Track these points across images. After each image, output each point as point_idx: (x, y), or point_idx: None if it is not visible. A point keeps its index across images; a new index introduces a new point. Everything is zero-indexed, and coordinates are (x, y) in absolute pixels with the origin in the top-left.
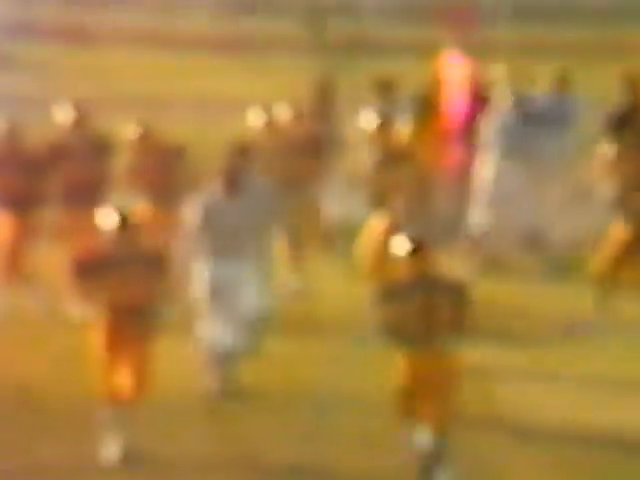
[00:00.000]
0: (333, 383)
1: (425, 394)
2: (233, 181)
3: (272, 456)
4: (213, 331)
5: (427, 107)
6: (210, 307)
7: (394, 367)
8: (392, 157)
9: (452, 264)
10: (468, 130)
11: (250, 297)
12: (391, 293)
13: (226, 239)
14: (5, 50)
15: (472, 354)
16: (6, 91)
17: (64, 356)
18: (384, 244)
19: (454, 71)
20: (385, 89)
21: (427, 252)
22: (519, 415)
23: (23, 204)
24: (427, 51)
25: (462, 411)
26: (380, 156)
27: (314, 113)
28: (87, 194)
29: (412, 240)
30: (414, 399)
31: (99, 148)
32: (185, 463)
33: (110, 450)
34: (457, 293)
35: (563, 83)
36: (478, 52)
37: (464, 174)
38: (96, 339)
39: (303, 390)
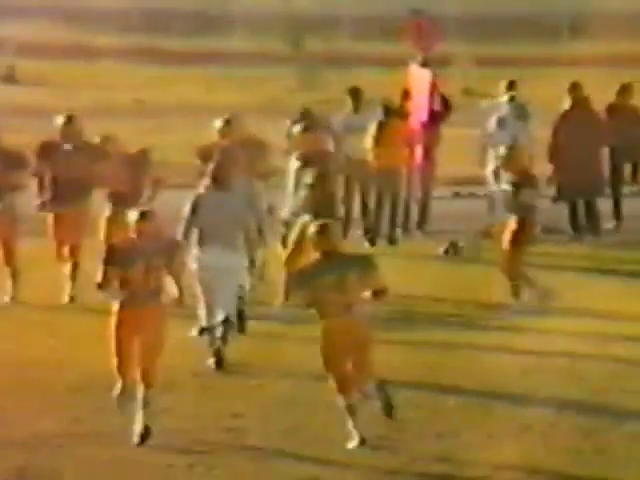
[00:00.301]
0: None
1: (348, 359)
2: (220, 177)
3: (260, 429)
4: (203, 312)
5: (390, 113)
6: (200, 290)
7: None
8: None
9: None
10: (429, 133)
11: (235, 281)
12: (304, 275)
13: (214, 227)
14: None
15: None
16: (11, 101)
17: (80, 338)
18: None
19: (417, 81)
20: (355, 96)
21: (331, 232)
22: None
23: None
24: (394, 63)
25: None
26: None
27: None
28: (70, 193)
29: (319, 224)
30: (341, 365)
31: (84, 152)
32: (179, 438)
33: (135, 429)
34: (364, 264)
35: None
36: (439, 64)
37: (425, 172)
38: (114, 323)
39: (286, 365)
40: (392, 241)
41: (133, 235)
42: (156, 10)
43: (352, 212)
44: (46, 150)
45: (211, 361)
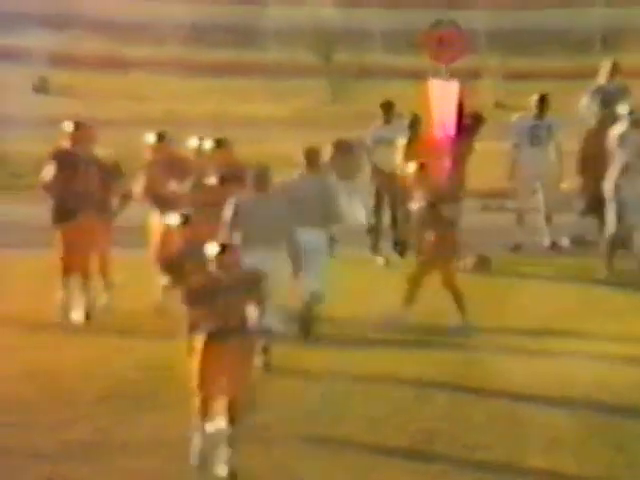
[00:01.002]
0: None
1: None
2: (262, 184)
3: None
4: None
5: (417, 125)
6: None
7: None
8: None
9: None
10: (457, 146)
11: (277, 282)
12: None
13: (255, 231)
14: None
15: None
16: (45, 112)
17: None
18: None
19: (440, 95)
20: (386, 110)
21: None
22: None
23: None
24: (424, 76)
25: None
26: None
27: None
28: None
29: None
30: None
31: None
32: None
33: (218, 471)
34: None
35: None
36: (467, 76)
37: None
38: (198, 359)
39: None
40: None
41: (213, 269)
42: (188, 23)
43: (382, 224)
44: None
45: (260, 361)
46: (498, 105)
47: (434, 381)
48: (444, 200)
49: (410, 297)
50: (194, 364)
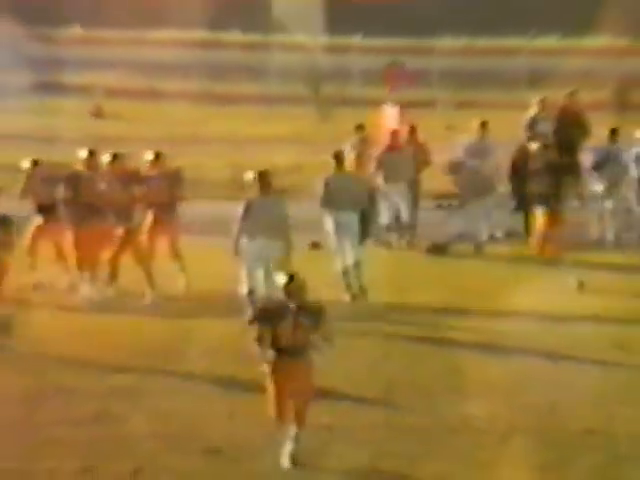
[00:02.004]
0: None
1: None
2: (265, 186)
3: None
4: (248, 278)
5: (368, 142)
6: (246, 268)
7: None
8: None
9: None
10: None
11: (274, 261)
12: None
13: (259, 223)
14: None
15: None
16: (99, 132)
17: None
18: None
19: (389, 116)
20: (359, 129)
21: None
22: None
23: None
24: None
25: None
26: None
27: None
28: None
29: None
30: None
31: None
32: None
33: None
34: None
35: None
36: (411, 105)
37: None
38: (269, 376)
39: None
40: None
41: (282, 295)
42: (208, 63)
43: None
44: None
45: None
46: (449, 128)
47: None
48: None
49: None
50: (267, 376)
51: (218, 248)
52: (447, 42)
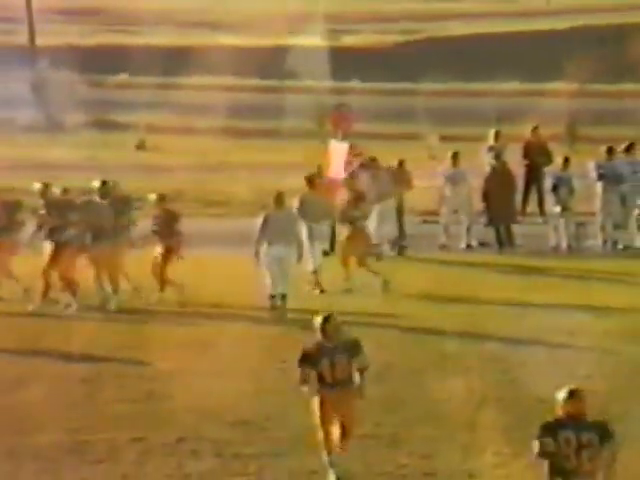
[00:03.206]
0: None
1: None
2: (279, 203)
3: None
4: (268, 281)
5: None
6: (266, 269)
7: None
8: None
9: None
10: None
11: (289, 265)
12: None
13: (276, 233)
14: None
15: None
16: (143, 162)
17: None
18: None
19: (336, 152)
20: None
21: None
22: None
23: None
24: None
25: None
26: None
27: None
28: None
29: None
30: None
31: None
32: None
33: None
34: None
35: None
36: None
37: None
38: (315, 407)
39: None
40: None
41: (319, 337)
42: (235, 103)
43: None
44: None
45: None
46: (430, 157)
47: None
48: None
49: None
50: (315, 409)
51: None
52: (429, 85)
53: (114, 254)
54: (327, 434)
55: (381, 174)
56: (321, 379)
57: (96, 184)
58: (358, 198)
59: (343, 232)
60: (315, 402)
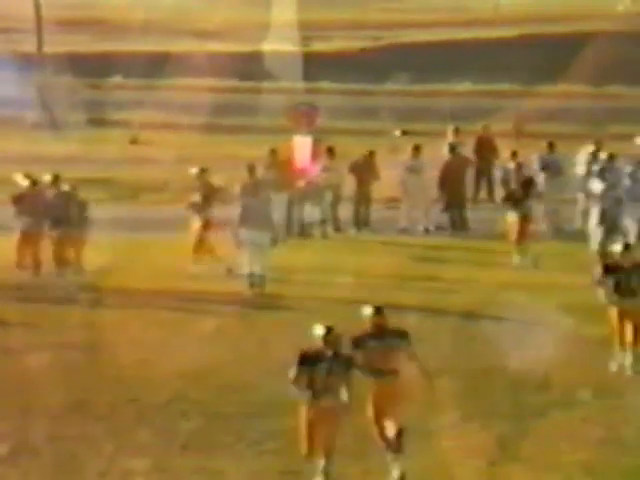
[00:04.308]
0: None
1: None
2: (256, 190)
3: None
4: (245, 262)
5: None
6: (245, 252)
7: None
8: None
9: None
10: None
11: (265, 247)
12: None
13: (253, 219)
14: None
15: None
16: (135, 155)
17: None
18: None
19: (302, 145)
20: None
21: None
22: None
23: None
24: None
25: None
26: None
27: None
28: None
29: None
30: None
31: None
32: None
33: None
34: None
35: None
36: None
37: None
38: (303, 414)
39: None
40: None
41: (321, 345)
42: (214, 101)
43: None
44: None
45: (248, 287)
46: (393, 150)
47: None
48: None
49: None
50: (302, 414)
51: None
52: (392, 86)
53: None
54: (311, 442)
55: (333, 164)
56: (312, 386)
57: (48, 178)
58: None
59: None
60: (303, 410)
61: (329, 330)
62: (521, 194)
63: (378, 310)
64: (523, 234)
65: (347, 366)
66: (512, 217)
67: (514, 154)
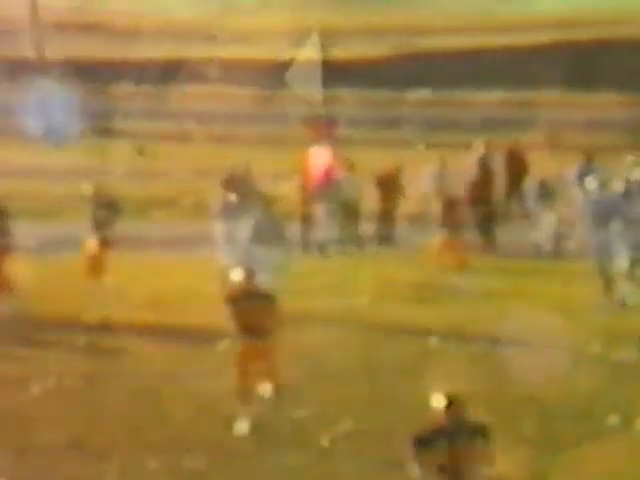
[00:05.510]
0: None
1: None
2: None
3: None
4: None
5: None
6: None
7: None
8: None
9: None
10: (325, 186)
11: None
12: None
13: (265, 237)
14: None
15: None
16: (142, 166)
17: None
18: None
19: (319, 156)
20: None
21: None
22: None
23: None
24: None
25: None
26: None
27: None
28: None
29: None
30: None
31: None
32: None
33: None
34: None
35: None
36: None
37: None
38: None
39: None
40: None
41: (441, 417)
42: (229, 110)
43: None
44: None
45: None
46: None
47: None
48: None
49: None
50: None
51: None
52: (415, 95)
53: None
54: None
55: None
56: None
57: None
58: None
59: None
60: None
61: (452, 398)
62: None
63: (450, 402)
64: None
65: (478, 437)
66: None
67: None
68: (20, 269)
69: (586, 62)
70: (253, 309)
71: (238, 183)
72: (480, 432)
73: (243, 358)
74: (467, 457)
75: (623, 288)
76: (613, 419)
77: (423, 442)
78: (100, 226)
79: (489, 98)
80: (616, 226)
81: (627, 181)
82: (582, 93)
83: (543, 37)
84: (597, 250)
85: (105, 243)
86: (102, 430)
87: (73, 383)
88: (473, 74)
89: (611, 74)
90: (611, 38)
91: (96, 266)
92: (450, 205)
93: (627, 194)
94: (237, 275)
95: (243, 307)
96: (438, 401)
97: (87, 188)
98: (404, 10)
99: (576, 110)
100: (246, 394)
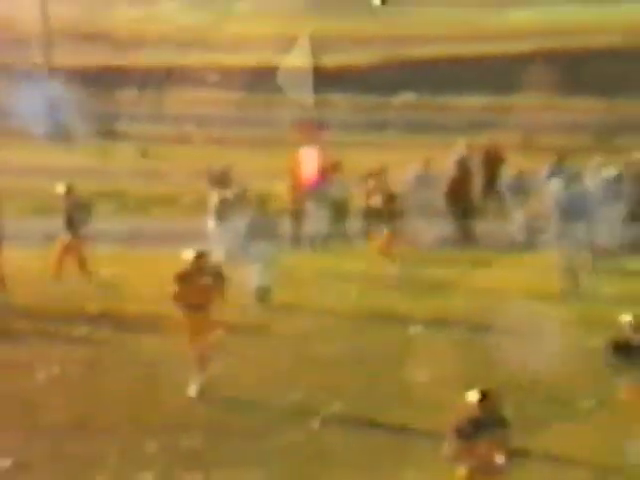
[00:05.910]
0: None
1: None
2: (262, 207)
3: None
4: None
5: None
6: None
7: None
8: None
9: None
10: (315, 186)
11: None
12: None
13: (260, 233)
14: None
15: None
16: (146, 167)
17: None
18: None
19: (309, 157)
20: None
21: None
22: None
23: None
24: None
25: None
26: None
27: None
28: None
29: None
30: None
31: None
32: None
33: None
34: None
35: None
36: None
37: None
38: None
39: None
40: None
41: (475, 410)
42: (225, 114)
43: None
44: None
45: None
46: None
47: None
48: None
49: None
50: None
51: None
52: (400, 99)
53: None
54: None
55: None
56: (471, 453)
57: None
58: None
59: None
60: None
61: (484, 396)
62: None
63: (484, 396)
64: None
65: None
66: None
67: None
68: (17, 262)
69: (562, 69)
70: (200, 285)
71: (221, 178)
72: (501, 424)
73: (191, 333)
74: (492, 447)
75: (587, 278)
76: (587, 402)
77: (460, 432)
78: (73, 224)
79: (471, 103)
80: (582, 221)
81: (594, 180)
82: (558, 98)
83: (522, 46)
84: (564, 242)
85: (78, 240)
86: (103, 412)
87: (76, 370)
88: (456, 80)
89: (587, 80)
90: (587, 47)
91: (62, 264)
92: (389, 200)
93: (594, 192)
94: (188, 254)
95: (190, 283)
96: (473, 395)
97: (60, 187)
98: (392, 20)
99: (552, 114)
100: (199, 363)
